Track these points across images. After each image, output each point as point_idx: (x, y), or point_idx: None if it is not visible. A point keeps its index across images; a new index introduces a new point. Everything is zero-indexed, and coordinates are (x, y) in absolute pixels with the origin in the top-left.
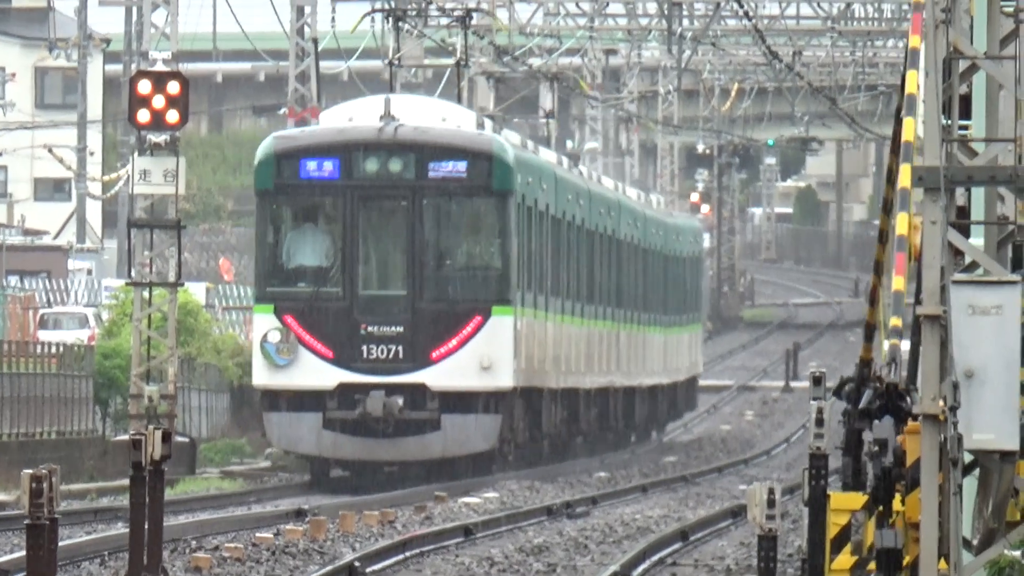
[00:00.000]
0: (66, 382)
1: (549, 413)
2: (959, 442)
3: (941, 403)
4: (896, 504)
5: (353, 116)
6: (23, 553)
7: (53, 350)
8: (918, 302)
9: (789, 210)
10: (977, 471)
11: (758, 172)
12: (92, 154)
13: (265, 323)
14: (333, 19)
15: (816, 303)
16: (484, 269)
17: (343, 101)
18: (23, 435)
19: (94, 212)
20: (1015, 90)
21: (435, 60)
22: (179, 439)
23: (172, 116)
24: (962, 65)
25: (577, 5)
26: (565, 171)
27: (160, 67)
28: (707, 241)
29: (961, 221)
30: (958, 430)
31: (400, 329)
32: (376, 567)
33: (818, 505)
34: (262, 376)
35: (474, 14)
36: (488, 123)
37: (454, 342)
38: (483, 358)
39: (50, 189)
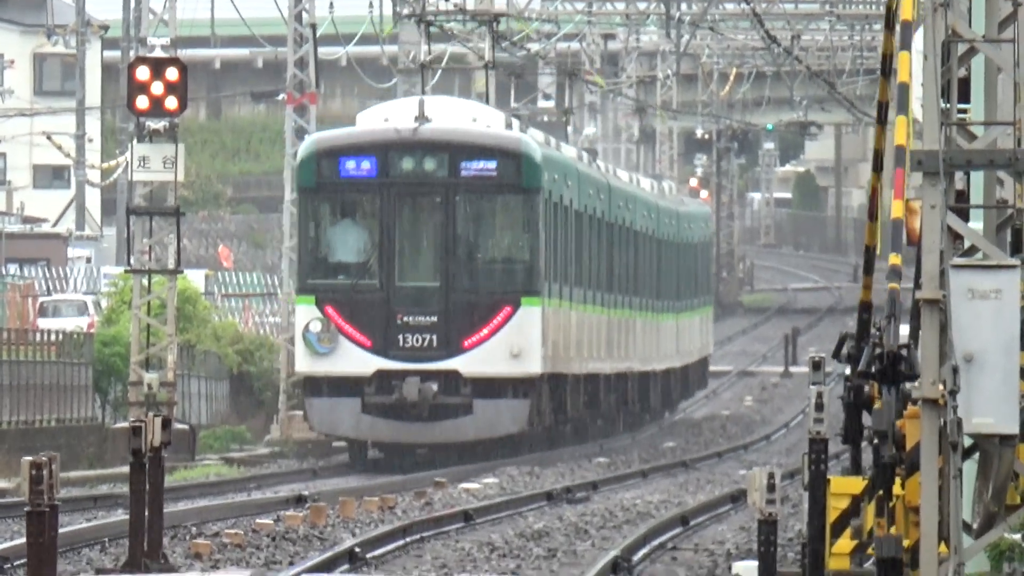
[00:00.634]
0: (65, 370)
1: (573, 397)
2: (959, 426)
3: (941, 387)
4: (896, 488)
5: (389, 117)
6: (23, 540)
7: (52, 338)
8: (917, 286)
9: (788, 195)
10: (977, 455)
11: (757, 157)
12: (91, 141)
13: (307, 313)
14: (331, 5)
15: (815, 288)
16: (513, 262)
17: (341, 87)
18: (23, 423)
19: (93, 199)
20: (1014, 73)
21: (433, 46)
22: (179, 426)
23: (171, 103)
24: (961, 48)
25: None
26: (586, 167)
27: (159, 53)
28: None
29: (960, 205)
30: (958, 414)
31: (434, 319)
32: (376, 553)
33: (818, 490)
34: (304, 364)
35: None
36: (515, 123)
37: (485, 331)
38: (512, 346)
39: (49, 176)
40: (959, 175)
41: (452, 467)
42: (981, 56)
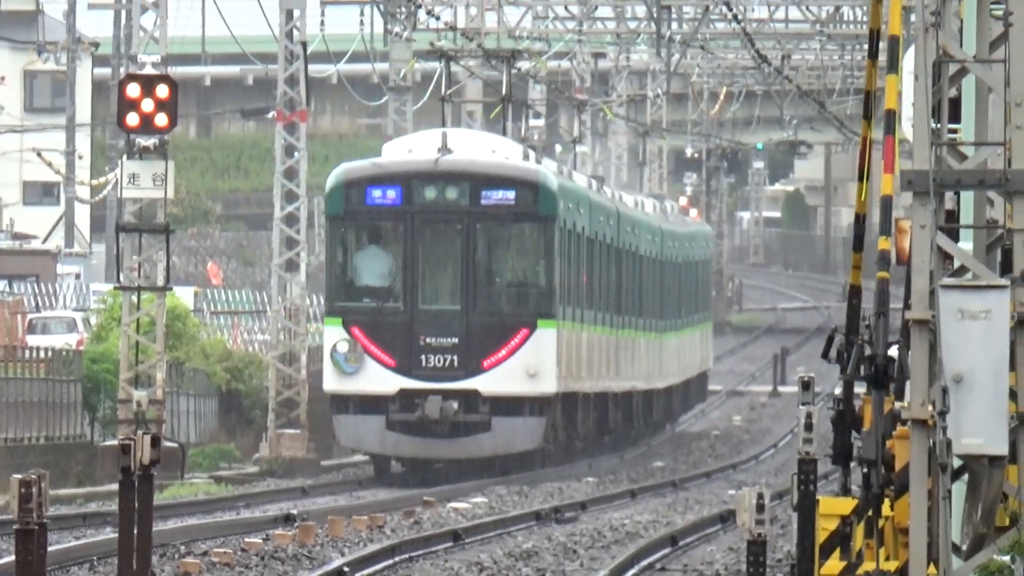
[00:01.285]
0: (54, 387)
1: (584, 415)
2: (948, 447)
3: (930, 408)
4: (885, 509)
5: (413, 148)
6: (12, 558)
7: (41, 355)
8: (907, 307)
9: (777, 214)
10: (966, 476)
11: (746, 176)
12: (81, 158)
13: (334, 335)
14: (322, 22)
15: (804, 308)
16: (530, 286)
17: (332, 105)
18: (12, 440)
19: (83, 216)
20: (1004, 94)
21: (423, 63)
22: (168, 444)
23: (161, 120)
24: (952, 68)
25: (566, 8)
26: (597, 195)
27: (149, 71)
28: None
29: (950, 225)
30: (947, 435)
31: (455, 340)
32: (365, 572)
33: (807, 510)
34: (331, 382)
35: (463, 16)
36: (532, 154)
37: (503, 352)
38: (529, 366)
39: (39, 193)
40: (949, 195)
41: (440, 486)
42: (972, 76)
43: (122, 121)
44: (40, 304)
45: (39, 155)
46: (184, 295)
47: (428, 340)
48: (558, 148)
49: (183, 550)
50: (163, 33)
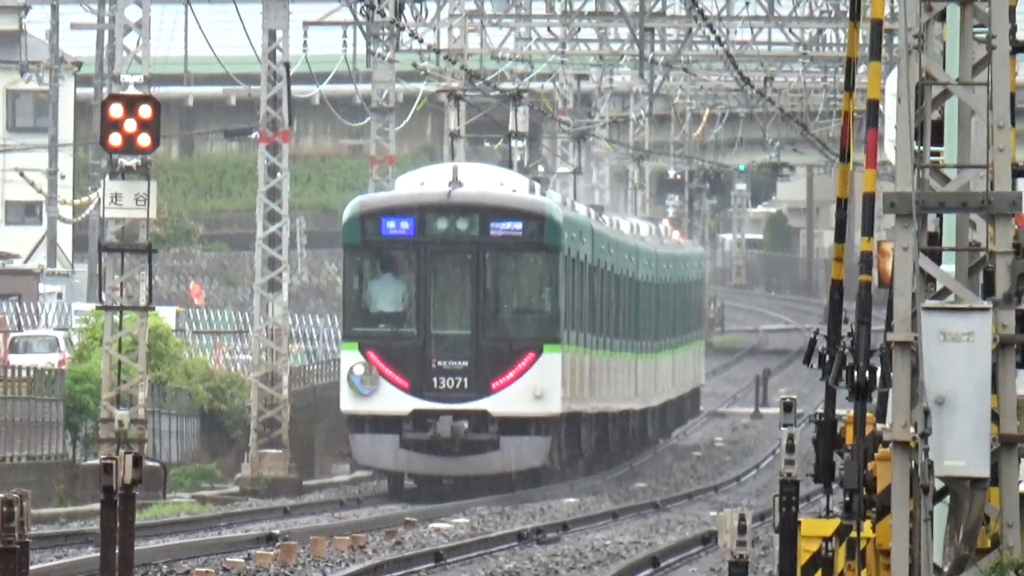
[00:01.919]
0: (36, 406)
1: (586, 434)
2: (930, 469)
3: (912, 430)
4: (867, 531)
5: (424, 181)
6: None
7: (23, 374)
8: (889, 329)
9: (760, 236)
10: (948, 498)
11: (729, 198)
12: (63, 177)
13: (351, 358)
14: (305, 43)
15: (786, 329)
16: (537, 312)
17: (314, 125)
18: None
19: (65, 236)
20: (987, 116)
21: (406, 84)
22: (149, 463)
23: (144, 140)
24: (934, 91)
25: (549, 30)
26: (597, 224)
27: (132, 91)
28: None
29: (933, 247)
30: (929, 457)
31: (465, 363)
32: None
33: (789, 532)
34: (348, 403)
35: (446, 38)
36: (537, 186)
37: (511, 375)
38: (536, 388)
39: (21, 212)
40: (932, 217)
41: (424, 505)
42: (954, 99)
43: (105, 141)
44: (22, 323)
45: (22, 175)
46: (166, 315)
47: (440, 363)
48: (540, 168)
49: (165, 569)
50: (146, 53)
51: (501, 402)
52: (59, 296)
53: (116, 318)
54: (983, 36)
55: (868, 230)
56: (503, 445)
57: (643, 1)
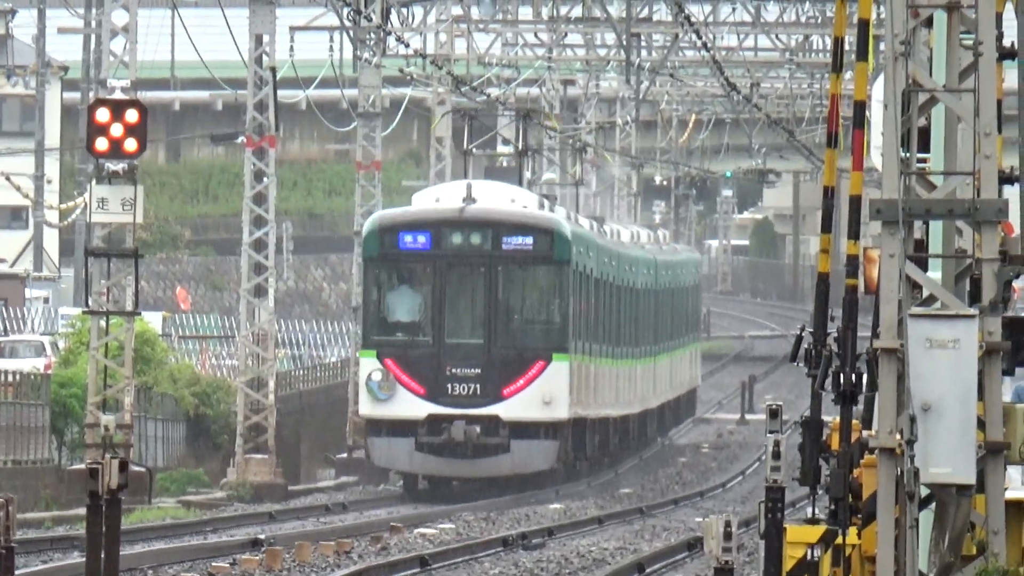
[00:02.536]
0: (22, 411)
1: (590, 437)
2: (916, 476)
3: (898, 437)
4: (852, 537)
5: (440, 197)
6: None
7: (9, 378)
8: (875, 335)
9: (745, 242)
10: (934, 505)
11: (715, 204)
12: (50, 182)
13: (369, 365)
14: (291, 48)
15: (772, 336)
16: (546, 323)
17: (301, 130)
18: None
19: (51, 240)
20: (974, 123)
21: (392, 90)
22: (135, 468)
23: (130, 144)
24: (921, 98)
25: (536, 35)
26: (600, 238)
27: (118, 95)
28: None
29: (919, 254)
30: (915, 464)
31: (478, 371)
32: None
33: (774, 538)
34: (366, 408)
35: (432, 42)
36: (546, 203)
37: (522, 382)
38: (545, 395)
39: (7, 217)
40: (918, 224)
41: (408, 511)
42: (941, 106)
43: (91, 145)
44: (8, 328)
45: (8, 179)
46: (153, 320)
47: (454, 370)
48: (527, 175)
49: (150, 574)
50: (132, 58)
51: (512, 408)
52: (45, 301)
53: (102, 323)
54: (970, 43)
55: (854, 233)
56: (513, 448)
57: (630, 7)
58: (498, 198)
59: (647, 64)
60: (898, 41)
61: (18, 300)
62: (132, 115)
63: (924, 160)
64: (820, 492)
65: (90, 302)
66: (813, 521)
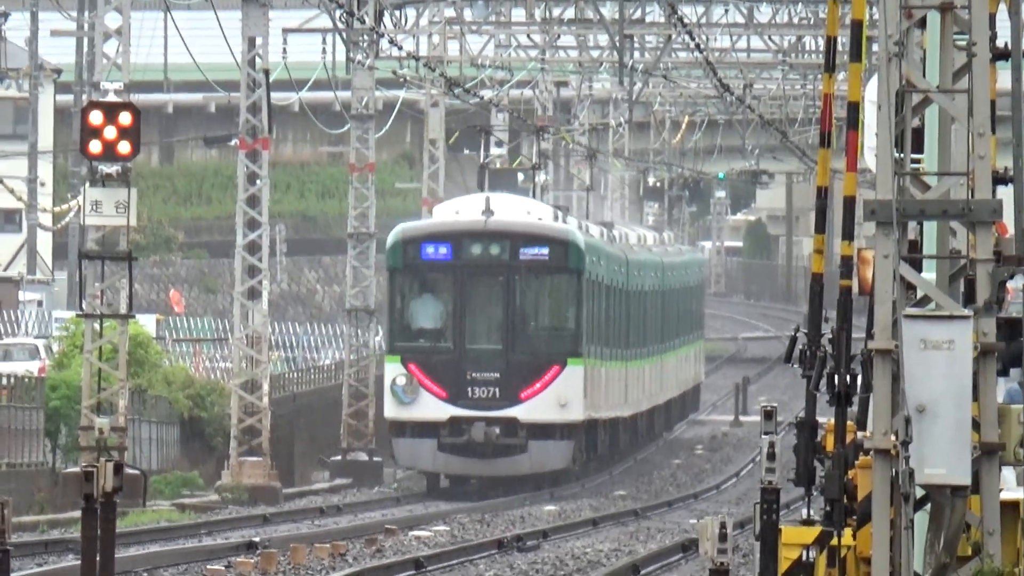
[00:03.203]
0: (16, 414)
1: (602, 437)
2: (911, 477)
3: (893, 438)
4: (847, 539)
5: (460, 210)
6: None
7: (3, 381)
8: (870, 336)
9: (739, 244)
10: (929, 506)
11: (708, 205)
12: (43, 185)
13: (394, 370)
14: (284, 50)
15: (766, 337)
16: (561, 329)
17: (294, 132)
18: None
19: (45, 243)
20: (968, 124)
21: (385, 92)
22: (130, 471)
23: (124, 147)
24: (915, 98)
25: (528, 37)
26: (610, 245)
27: (112, 98)
28: None
29: (913, 255)
30: (910, 465)
31: (497, 375)
32: None
33: (769, 539)
34: (391, 410)
35: (425, 44)
36: (560, 214)
37: (538, 385)
38: (560, 397)
39: (0, 220)
40: (912, 225)
41: (405, 514)
42: (935, 106)
43: (84, 148)
44: (2, 331)
45: (1, 182)
46: (146, 323)
47: (474, 375)
48: (520, 177)
49: None
50: (126, 60)
51: (529, 410)
52: (39, 304)
53: (96, 326)
54: (963, 43)
55: (848, 234)
56: (531, 449)
57: (623, 8)
58: (515, 210)
59: (640, 65)
60: (892, 42)
61: (12, 303)
62: (125, 118)
63: (918, 161)
64: (815, 493)
65: (84, 305)
66: (808, 522)
